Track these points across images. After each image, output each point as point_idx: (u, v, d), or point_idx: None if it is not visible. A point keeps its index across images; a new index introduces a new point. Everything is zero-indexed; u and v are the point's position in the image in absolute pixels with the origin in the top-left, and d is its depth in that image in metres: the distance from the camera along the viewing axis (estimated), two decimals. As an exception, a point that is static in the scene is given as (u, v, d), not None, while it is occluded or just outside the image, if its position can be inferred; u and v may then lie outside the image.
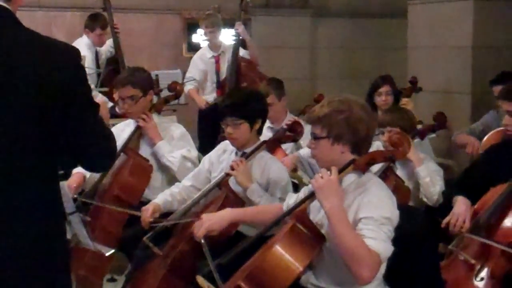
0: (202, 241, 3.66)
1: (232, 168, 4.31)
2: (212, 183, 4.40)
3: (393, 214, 3.21)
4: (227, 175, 4.34)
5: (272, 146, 4.93)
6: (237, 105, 4.36)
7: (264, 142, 4.50)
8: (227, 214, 3.79)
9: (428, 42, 7.32)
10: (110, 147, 2.79)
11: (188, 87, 7.88)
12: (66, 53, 2.62)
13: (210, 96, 7.93)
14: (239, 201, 4.24)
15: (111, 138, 2.79)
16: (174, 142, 5.04)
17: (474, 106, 6.77)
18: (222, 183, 4.33)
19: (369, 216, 3.14)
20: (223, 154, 4.59)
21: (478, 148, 5.52)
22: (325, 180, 3.16)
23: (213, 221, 3.74)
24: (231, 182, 4.36)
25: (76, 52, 2.68)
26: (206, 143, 7.26)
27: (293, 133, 5.18)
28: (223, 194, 4.22)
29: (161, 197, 4.57)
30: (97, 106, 2.72)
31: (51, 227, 2.64)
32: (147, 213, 4.41)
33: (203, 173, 4.61)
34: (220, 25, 8.12)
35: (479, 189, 4.04)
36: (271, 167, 4.40)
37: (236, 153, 4.45)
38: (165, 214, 4.50)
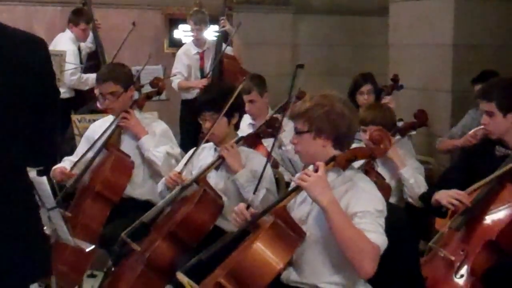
0: None
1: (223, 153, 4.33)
2: (190, 178, 4.39)
3: (384, 206, 3.28)
4: (220, 157, 4.35)
5: (253, 142, 4.94)
6: (215, 99, 4.39)
7: (242, 137, 4.54)
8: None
9: (409, 40, 7.33)
10: (56, 147, 2.78)
11: (176, 81, 7.87)
12: (33, 45, 2.60)
13: (194, 92, 7.91)
14: (217, 196, 4.26)
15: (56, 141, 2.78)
16: (156, 138, 5.03)
17: (455, 103, 6.78)
18: (200, 179, 4.33)
19: (365, 210, 3.18)
20: (202, 151, 4.59)
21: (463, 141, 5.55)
22: (315, 176, 3.17)
23: None
24: (209, 178, 4.36)
25: (44, 43, 2.66)
26: (188, 139, 7.26)
27: (271, 129, 5.20)
28: (201, 189, 4.23)
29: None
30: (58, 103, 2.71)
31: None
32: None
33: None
34: (208, 22, 8.11)
35: (458, 189, 4.06)
36: (253, 159, 4.44)
37: (215, 149, 4.46)
38: (144, 210, 4.49)
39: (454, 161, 4.94)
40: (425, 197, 4.25)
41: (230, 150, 4.33)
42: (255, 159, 4.44)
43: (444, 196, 3.93)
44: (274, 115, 5.42)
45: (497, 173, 3.82)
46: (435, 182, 4.57)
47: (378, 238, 3.13)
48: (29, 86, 2.52)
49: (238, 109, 4.47)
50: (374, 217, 3.17)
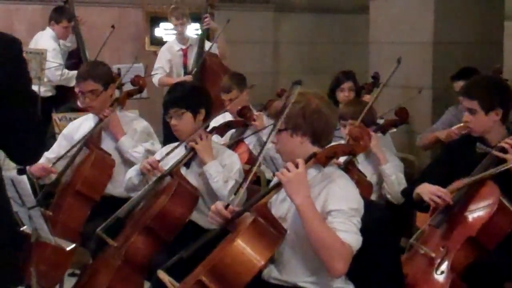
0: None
1: (195, 143, 4.36)
2: (164, 171, 4.40)
3: (360, 204, 3.27)
4: (192, 149, 4.37)
5: (225, 132, 4.97)
6: (178, 96, 4.46)
7: (215, 127, 4.62)
8: None
9: (389, 38, 7.35)
10: (40, 143, 2.76)
11: (157, 76, 7.85)
12: (6, 45, 2.59)
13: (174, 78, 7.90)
14: (192, 188, 4.27)
15: (42, 135, 2.76)
16: (137, 136, 5.04)
17: (435, 101, 6.81)
18: (174, 172, 4.34)
19: (339, 209, 3.18)
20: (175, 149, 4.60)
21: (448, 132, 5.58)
22: (294, 173, 3.17)
23: None
24: (183, 171, 4.37)
25: (18, 43, 2.65)
26: (170, 137, 7.23)
27: (243, 118, 5.21)
28: (175, 182, 4.24)
29: None
30: (36, 99, 2.70)
31: None
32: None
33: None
34: (189, 17, 8.10)
35: (439, 186, 4.08)
36: (223, 153, 4.49)
37: (186, 146, 4.47)
38: (121, 205, 4.49)
39: (435, 156, 4.95)
40: (407, 191, 4.26)
41: (200, 142, 4.36)
42: (224, 153, 4.49)
43: (426, 192, 3.94)
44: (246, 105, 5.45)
45: (482, 175, 3.83)
46: (415, 177, 4.58)
47: (350, 237, 3.13)
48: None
49: (203, 106, 4.49)
50: (347, 216, 3.17)
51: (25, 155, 2.76)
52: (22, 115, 2.62)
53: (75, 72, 7.37)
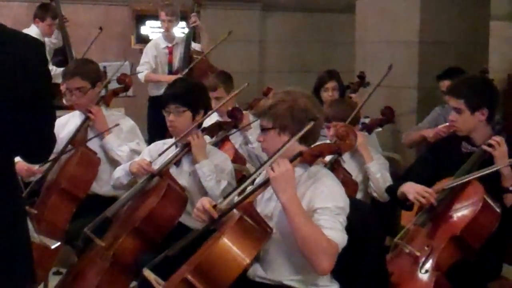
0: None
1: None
2: (154, 171, 4.38)
3: (346, 203, 3.27)
4: (184, 147, 4.36)
5: (216, 134, 4.97)
6: (182, 93, 4.41)
7: (205, 128, 4.61)
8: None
9: (376, 37, 7.37)
10: (52, 143, 2.76)
11: (144, 72, 7.83)
12: (31, 46, 2.59)
13: (161, 87, 7.87)
14: (181, 189, 4.26)
15: (53, 136, 2.76)
16: (123, 135, 5.02)
17: (421, 100, 6.84)
18: (163, 172, 4.33)
19: (324, 207, 3.19)
20: (163, 146, 4.58)
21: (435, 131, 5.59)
22: (282, 170, 3.17)
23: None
24: (172, 171, 4.37)
25: (42, 45, 2.66)
26: (155, 136, 7.22)
27: (233, 119, 5.21)
28: (165, 182, 4.23)
29: None
30: (52, 101, 2.71)
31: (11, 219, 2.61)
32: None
33: None
34: (179, 16, 8.09)
35: (423, 184, 4.09)
36: (215, 154, 4.48)
37: (177, 145, 4.46)
38: (107, 204, 4.49)
39: (420, 154, 4.97)
40: (392, 188, 4.27)
41: (197, 139, 4.34)
42: (216, 154, 4.48)
43: (412, 191, 3.95)
44: (236, 106, 5.45)
45: (469, 177, 3.85)
46: (400, 174, 4.59)
47: (336, 235, 3.13)
48: (25, 85, 2.50)
49: (204, 107, 4.48)
50: (333, 214, 3.17)
51: (42, 156, 2.80)
52: (44, 118, 2.63)
53: (61, 69, 7.36)
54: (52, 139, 2.72)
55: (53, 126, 2.71)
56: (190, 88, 4.49)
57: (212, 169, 4.30)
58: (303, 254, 3.14)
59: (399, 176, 4.49)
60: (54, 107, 2.74)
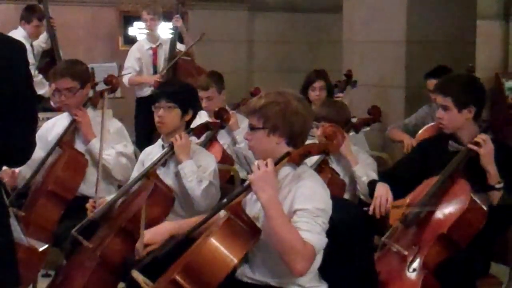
0: (144, 254, 3.59)
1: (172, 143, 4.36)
2: (140, 173, 4.40)
3: (327, 205, 3.26)
4: (171, 147, 4.36)
5: (203, 134, 4.97)
6: (174, 90, 4.46)
7: (192, 129, 4.61)
8: (167, 228, 3.74)
9: (363, 37, 7.39)
10: (32, 147, 2.74)
11: (127, 76, 7.83)
12: (12, 48, 2.59)
13: (146, 89, 7.88)
14: (168, 189, 4.27)
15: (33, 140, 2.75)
16: (110, 136, 5.01)
17: (408, 100, 6.85)
18: (150, 173, 4.33)
19: (304, 208, 3.18)
20: (152, 150, 4.63)
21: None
22: (262, 171, 3.18)
23: (153, 235, 3.68)
24: (160, 172, 4.37)
25: (23, 47, 2.65)
26: (143, 137, 7.23)
27: (219, 120, 5.21)
28: (152, 183, 4.23)
29: None
30: (36, 101, 2.71)
31: None
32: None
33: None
34: (161, 16, 8.09)
35: (408, 182, 4.11)
36: (199, 154, 4.48)
37: (163, 146, 4.47)
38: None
39: (408, 153, 4.99)
40: (372, 183, 4.31)
41: (180, 140, 4.35)
42: (200, 154, 4.49)
43: (377, 195, 4.04)
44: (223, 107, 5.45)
45: (443, 177, 3.89)
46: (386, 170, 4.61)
47: (313, 237, 3.12)
48: (4, 86, 2.52)
49: (192, 107, 4.49)
50: (312, 216, 3.16)
51: (20, 160, 2.78)
52: (25, 121, 2.62)
53: (42, 80, 7.34)
54: (33, 143, 2.71)
55: (34, 130, 2.70)
56: (182, 88, 4.57)
57: (193, 170, 4.31)
58: (278, 255, 3.14)
59: (385, 171, 4.50)
60: (35, 110, 2.73)
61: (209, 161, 4.48)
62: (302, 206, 3.19)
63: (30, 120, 2.66)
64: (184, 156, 4.34)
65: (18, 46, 2.64)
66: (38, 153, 4.95)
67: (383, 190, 4.09)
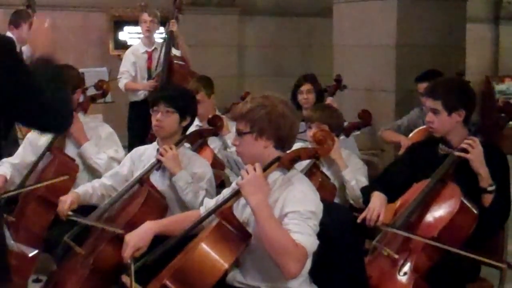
0: (129, 261, 3.47)
1: (161, 155, 4.32)
2: (133, 179, 4.38)
3: (318, 208, 3.26)
4: (158, 161, 4.34)
5: (196, 140, 4.96)
6: (173, 95, 4.44)
7: (185, 136, 4.57)
8: (149, 228, 3.65)
9: (353, 41, 7.41)
10: (64, 107, 2.83)
11: (123, 81, 7.83)
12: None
13: (140, 92, 7.88)
14: (161, 196, 4.26)
15: (64, 99, 2.84)
16: (101, 142, 5.01)
17: (398, 103, 6.88)
18: (144, 179, 4.32)
19: (295, 211, 3.18)
20: (145, 152, 4.58)
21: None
22: (250, 176, 3.19)
23: (137, 239, 3.57)
24: (152, 178, 4.36)
25: (7, 39, 2.67)
26: (136, 141, 7.22)
27: (212, 127, 5.21)
28: (145, 190, 4.22)
29: (82, 188, 4.53)
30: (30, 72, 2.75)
31: None
32: (64, 205, 4.36)
33: (122, 172, 4.58)
34: (159, 19, 8.10)
35: (399, 186, 4.12)
36: (195, 162, 4.46)
37: (158, 150, 4.45)
38: (86, 211, 4.47)
39: (398, 157, 5.00)
40: (365, 189, 4.31)
41: (165, 154, 4.32)
42: (196, 162, 4.46)
43: (371, 206, 4.03)
44: (217, 114, 5.45)
45: (430, 184, 3.90)
46: (378, 175, 4.61)
47: (304, 239, 3.12)
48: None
49: (191, 113, 4.49)
50: (303, 218, 3.16)
51: (60, 125, 2.92)
52: (29, 86, 2.70)
53: None
54: (62, 104, 2.80)
55: (49, 98, 2.75)
56: (182, 93, 4.56)
57: (188, 181, 4.28)
58: (271, 258, 3.14)
59: (376, 176, 4.50)
60: (36, 83, 2.75)
61: (204, 169, 4.45)
62: (293, 208, 3.19)
63: (34, 85, 2.73)
64: (175, 168, 4.31)
65: (5, 40, 2.72)
66: (29, 156, 4.99)
67: (377, 204, 4.04)
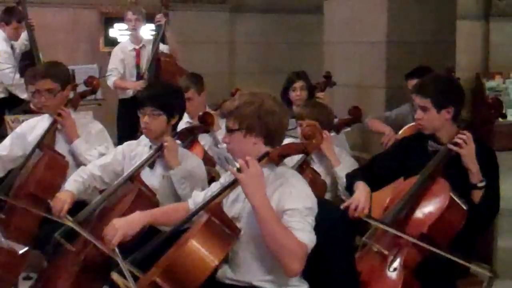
0: (116, 249, 3.48)
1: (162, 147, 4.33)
2: (124, 176, 4.38)
3: (314, 203, 3.29)
4: (158, 149, 4.34)
5: (187, 137, 4.96)
6: (158, 96, 4.38)
7: (177, 133, 4.60)
8: (139, 218, 3.64)
9: (343, 38, 7.41)
10: None
11: (112, 79, 7.82)
12: None
13: (129, 90, 7.87)
14: (152, 194, 4.25)
15: None
16: (92, 138, 5.01)
17: (388, 100, 6.87)
18: (135, 176, 4.31)
19: (294, 208, 3.19)
20: (137, 147, 4.57)
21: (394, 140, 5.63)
22: (252, 172, 3.16)
23: (126, 226, 3.56)
24: (143, 175, 4.35)
25: None
26: (125, 138, 7.20)
27: (203, 124, 5.22)
28: (136, 187, 4.22)
29: (74, 185, 4.48)
30: None
31: None
32: (63, 205, 4.32)
33: (113, 165, 4.57)
34: (144, 16, 8.08)
35: (384, 178, 4.13)
36: (187, 159, 4.44)
37: (151, 147, 4.45)
38: (80, 210, 4.45)
39: (387, 149, 5.00)
40: (350, 177, 4.31)
41: (171, 143, 4.33)
42: (189, 159, 4.46)
43: (355, 197, 4.02)
44: (207, 111, 5.44)
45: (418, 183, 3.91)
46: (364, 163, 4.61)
47: (306, 236, 3.14)
48: None
49: (179, 111, 4.47)
50: (302, 215, 3.18)
51: None
52: None
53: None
54: None
55: None
56: (167, 92, 4.49)
57: (185, 175, 4.28)
58: (273, 256, 3.15)
59: (363, 166, 4.48)
60: None
61: (198, 167, 4.45)
62: (292, 206, 3.20)
63: None
64: (174, 161, 4.32)
65: None
66: (16, 151, 4.99)
67: (362, 196, 4.04)
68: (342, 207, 3.97)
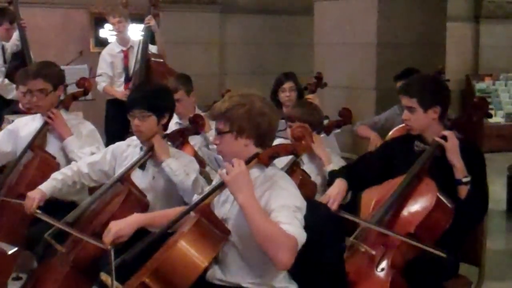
0: (109, 247, 3.48)
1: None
2: (114, 177, 4.37)
3: (302, 204, 3.29)
4: (149, 150, 4.34)
5: (178, 139, 4.96)
6: (146, 97, 4.36)
7: (167, 134, 4.57)
8: (135, 220, 3.69)
9: (334, 39, 7.44)
10: None
11: (102, 84, 7.84)
12: None
13: (118, 91, 7.89)
14: (142, 195, 4.25)
15: None
16: (83, 139, 5.01)
17: (379, 101, 6.90)
18: (125, 178, 4.31)
19: (282, 205, 3.18)
20: (127, 149, 4.57)
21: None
22: (237, 171, 3.16)
23: (121, 227, 3.61)
24: (133, 177, 4.36)
25: None
26: (114, 139, 7.20)
27: (194, 126, 5.22)
28: (126, 188, 4.21)
29: (50, 184, 4.50)
30: None
31: None
32: (32, 202, 4.37)
33: (101, 164, 4.56)
34: (128, 17, 8.07)
35: (368, 179, 4.15)
36: (180, 157, 4.44)
37: (141, 148, 4.44)
38: (70, 211, 4.45)
39: (375, 149, 5.02)
40: (332, 174, 4.34)
41: (159, 140, 4.34)
42: (181, 157, 4.45)
43: (331, 191, 4.06)
44: (198, 112, 5.44)
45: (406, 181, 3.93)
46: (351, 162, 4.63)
47: (295, 229, 3.11)
48: None
49: (169, 110, 4.47)
50: (291, 211, 3.17)
51: None
52: None
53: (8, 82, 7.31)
54: None
55: None
56: (154, 92, 4.46)
57: (176, 167, 4.27)
58: (263, 250, 3.12)
59: (348, 165, 4.50)
60: None
61: (191, 163, 4.44)
62: (280, 203, 3.20)
63: None
64: (165, 155, 4.32)
65: None
66: (6, 146, 4.99)
67: (334, 191, 4.08)
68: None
